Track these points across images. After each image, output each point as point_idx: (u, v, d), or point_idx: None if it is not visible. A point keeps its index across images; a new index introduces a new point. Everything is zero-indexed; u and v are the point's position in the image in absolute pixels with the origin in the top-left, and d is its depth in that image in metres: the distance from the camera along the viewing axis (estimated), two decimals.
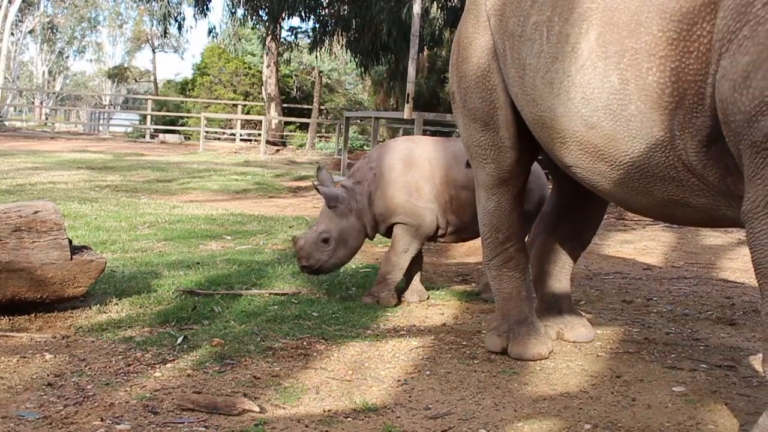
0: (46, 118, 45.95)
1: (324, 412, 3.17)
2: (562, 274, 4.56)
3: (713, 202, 3.12)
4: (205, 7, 21.92)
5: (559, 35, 3.37)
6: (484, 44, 4.10)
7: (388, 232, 5.34)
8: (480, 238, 4.47)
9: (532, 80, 3.57)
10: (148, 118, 33.04)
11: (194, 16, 23.14)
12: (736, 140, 2.75)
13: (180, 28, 24.83)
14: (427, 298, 5.43)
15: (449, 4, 19.85)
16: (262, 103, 32.61)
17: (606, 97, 3.16)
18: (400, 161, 5.26)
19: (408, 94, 14.29)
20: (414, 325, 4.71)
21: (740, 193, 2.96)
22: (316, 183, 5.35)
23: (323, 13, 21.26)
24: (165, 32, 25.44)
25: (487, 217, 4.26)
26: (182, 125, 33.91)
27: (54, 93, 51.90)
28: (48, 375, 3.46)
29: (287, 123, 32.29)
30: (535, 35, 3.54)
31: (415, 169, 5.22)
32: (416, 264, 5.42)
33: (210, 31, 25.57)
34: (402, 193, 5.18)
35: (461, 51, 4.25)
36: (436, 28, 21.31)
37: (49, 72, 56.89)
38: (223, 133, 32.83)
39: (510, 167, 4.15)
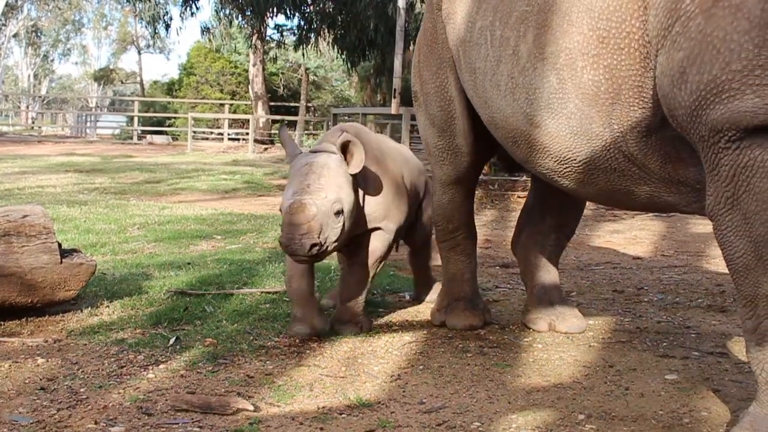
0: (33, 122, 45.66)
1: (318, 409, 3.18)
2: (549, 266, 4.60)
3: (655, 189, 3.20)
4: (194, 5, 21.88)
5: (501, 39, 3.48)
6: (441, 54, 4.25)
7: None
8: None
9: (482, 83, 3.69)
10: (135, 119, 32.89)
11: (180, 15, 23.08)
12: (686, 134, 2.79)
13: (167, 28, 24.81)
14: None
15: None
16: (249, 102, 32.51)
17: (546, 96, 3.26)
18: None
19: (395, 90, 14.29)
20: (406, 320, 4.71)
21: (680, 179, 3.05)
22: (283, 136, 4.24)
23: (308, 10, 21.21)
24: (155, 34, 25.40)
25: (441, 209, 4.57)
26: (170, 126, 33.76)
27: (40, 96, 51.58)
28: (41, 379, 3.44)
29: (275, 121, 32.22)
30: (481, 40, 3.65)
31: None
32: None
33: (203, 31, 25.55)
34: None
35: (422, 56, 4.40)
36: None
37: (35, 75, 56.49)
38: (211, 132, 32.71)
39: (466, 169, 4.41)
